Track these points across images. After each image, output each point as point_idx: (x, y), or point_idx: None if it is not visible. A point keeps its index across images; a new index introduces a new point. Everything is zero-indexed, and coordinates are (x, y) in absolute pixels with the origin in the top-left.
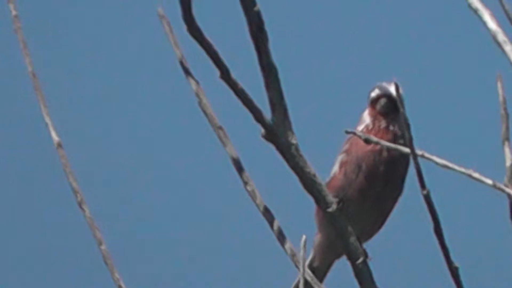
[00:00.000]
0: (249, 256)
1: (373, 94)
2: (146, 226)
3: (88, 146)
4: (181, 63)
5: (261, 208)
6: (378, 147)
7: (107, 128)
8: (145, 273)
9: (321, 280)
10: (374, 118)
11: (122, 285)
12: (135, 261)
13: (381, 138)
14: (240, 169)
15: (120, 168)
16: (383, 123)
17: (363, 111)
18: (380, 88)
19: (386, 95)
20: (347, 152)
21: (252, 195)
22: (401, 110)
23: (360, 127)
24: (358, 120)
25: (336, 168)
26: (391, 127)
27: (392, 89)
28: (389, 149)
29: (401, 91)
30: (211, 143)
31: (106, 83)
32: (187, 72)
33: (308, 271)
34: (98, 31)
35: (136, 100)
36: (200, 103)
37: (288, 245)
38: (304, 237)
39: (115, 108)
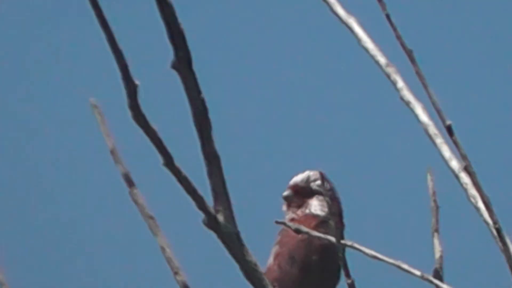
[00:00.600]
0: None
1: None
2: None
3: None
4: (112, 153)
5: None
6: (312, 238)
7: (34, 214)
8: None
9: None
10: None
11: None
12: None
13: (307, 224)
14: (169, 259)
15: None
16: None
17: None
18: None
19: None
20: (279, 243)
21: (182, 286)
22: (327, 198)
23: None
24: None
25: (270, 260)
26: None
27: (298, 178)
28: (324, 241)
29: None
30: (142, 232)
31: (39, 174)
32: (118, 161)
33: None
34: (31, 122)
35: (67, 189)
36: (130, 193)
37: None
38: None
39: (45, 196)
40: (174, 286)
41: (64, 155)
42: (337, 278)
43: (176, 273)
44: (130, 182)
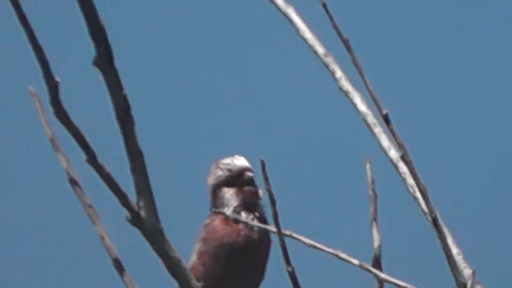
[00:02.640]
0: None
1: (232, 168)
2: None
3: None
4: (52, 141)
5: (130, 287)
6: (234, 234)
7: None
8: None
9: None
10: (243, 201)
11: None
12: None
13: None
14: (108, 247)
15: None
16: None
17: (222, 191)
18: (234, 162)
19: (248, 173)
20: (204, 240)
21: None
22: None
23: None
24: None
25: (194, 257)
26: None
27: (243, 161)
28: (247, 236)
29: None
30: (82, 221)
31: None
32: (57, 149)
33: None
34: None
35: (7, 176)
36: (70, 181)
37: None
38: None
39: None
40: (113, 275)
41: (3, 144)
42: (262, 275)
43: (115, 261)
44: (70, 171)
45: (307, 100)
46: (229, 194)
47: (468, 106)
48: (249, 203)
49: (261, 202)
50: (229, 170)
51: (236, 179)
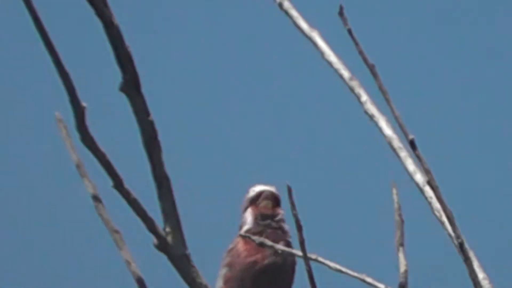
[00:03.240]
0: None
1: (253, 192)
2: None
3: None
4: (78, 167)
5: None
6: (259, 258)
7: None
8: None
9: None
10: (255, 217)
11: None
12: None
13: (266, 237)
14: (134, 273)
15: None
16: (264, 222)
17: (243, 213)
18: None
19: (267, 190)
20: (229, 265)
21: None
22: (294, 211)
23: (242, 230)
24: (240, 224)
25: (220, 283)
26: (273, 224)
27: (271, 188)
28: (271, 259)
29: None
30: (107, 247)
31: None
32: (83, 175)
33: None
34: None
35: (34, 205)
36: (96, 207)
37: None
38: None
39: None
40: None
41: (30, 169)
42: None
43: (138, 281)
44: (96, 197)
45: (333, 125)
46: (248, 212)
47: (494, 131)
48: (263, 217)
49: (285, 225)
50: (253, 191)
51: (257, 199)
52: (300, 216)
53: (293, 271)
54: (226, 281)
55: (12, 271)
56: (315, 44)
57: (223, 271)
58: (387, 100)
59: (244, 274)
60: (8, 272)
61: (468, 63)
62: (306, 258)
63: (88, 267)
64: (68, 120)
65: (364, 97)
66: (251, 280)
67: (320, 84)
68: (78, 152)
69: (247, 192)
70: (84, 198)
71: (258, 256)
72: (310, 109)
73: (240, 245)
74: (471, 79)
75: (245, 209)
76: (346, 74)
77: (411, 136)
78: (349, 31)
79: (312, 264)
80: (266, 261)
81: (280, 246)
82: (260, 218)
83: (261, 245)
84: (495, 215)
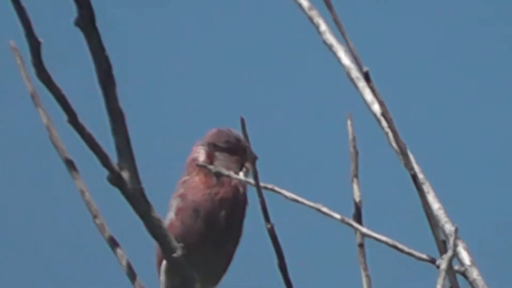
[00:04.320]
0: None
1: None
2: None
3: None
4: (32, 96)
5: (109, 241)
6: (214, 190)
7: None
8: None
9: None
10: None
11: None
12: None
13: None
14: (88, 202)
15: None
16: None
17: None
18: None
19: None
20: (182, 196)
21: (101, 229)
22: (248, 143)
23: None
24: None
25: (172, 214)
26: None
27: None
28: (225, 192)
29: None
30: (61, 176)
31: None
32: (38, 105)
33: None
34: None
35: None
36: (50, 136)
37: (137, 281)
38: (164, 262)
39: None
40: (93, 229)
41: None
42: (241, 230)
43: (95, 217)
44: (50, 126)
45: (291, 54)
46: (232, 159)
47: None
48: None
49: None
50: (236, 139)
51: (240, 150)
52: (254, 148)
53: (245, 204)
54: (178, 212)
55: None
56: None
57: (175, 202)
58: (342, 32)
59: (199, 206)
60: None
61: None
62: (259, 189)
63: (42, 198)
64: (24, 51)
65: (323, 27)
66: (206, 212)
67: (278, 13)
68: (33, 82)
69: (227, 130)
70: (38, 126)
71: (215, 188)
72: (270, 39)
73: (197, 178)
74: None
75: (226, 151)
76: (305, 3)
77: (365, 68)
78: None
79: (268, 195)
80: (222, 194)
81: (235, 175)
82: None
83: (217, 174)
84: (453, 145)
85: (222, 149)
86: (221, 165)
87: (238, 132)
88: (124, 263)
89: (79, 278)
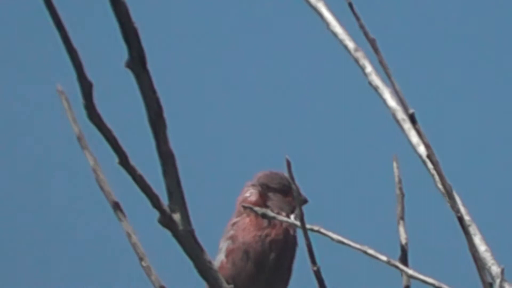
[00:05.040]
0: None
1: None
2: None
3: None
4: (79, 139)
5: (157, 286)
6: (265, 232)
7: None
8: None
9: None
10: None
11: None
12: None
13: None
14: (135, 245)
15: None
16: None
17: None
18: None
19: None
20: (232, 238)
21: (147, 271)
22: (294, 185)
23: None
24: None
25: (222, 256)
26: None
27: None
28: (275, 234)
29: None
30: (107, 218)
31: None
32: (84, 147)
33: None
34: None
35: (32, 174)
36: (97, 178)
37: None
38: None
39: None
40: (140, 272)
41: (32, 140)
42: (290, 273)
43: (141, 259)
44: (96, 168)
45: (337, 96)
46: (285, 200)
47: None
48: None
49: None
50: (289, 182)
51: (290, 192)
52: (301, 190)
53: (295, 246)
54: (229, 254)
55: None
56: (320, 15)
57: (225, 244)
58: (388, 74)
59: (249, 247)
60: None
61: (471, 37)
62: (305, 231)
63: (87, 240)
64: (70, 93)
65: (369, 68)
66: (256, 254)
67: (325, 55)
68: (80, 125)
69: (277, 172)
70: (85, 169)
71: (266, 230)
72: (315, 81)
73: (247, 219)
74: (473, 53)
75: (279, 192)
76: (351, 45)
77: (411, 110)
78: (350, 5)
79: (315, 237)
80: (273, 236)
81: (282, 218)
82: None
83: (264, 216)
84: (499, 187)
85: (275, 190)
86: (274, 205)
87: (284, 174)
88: None
89: None
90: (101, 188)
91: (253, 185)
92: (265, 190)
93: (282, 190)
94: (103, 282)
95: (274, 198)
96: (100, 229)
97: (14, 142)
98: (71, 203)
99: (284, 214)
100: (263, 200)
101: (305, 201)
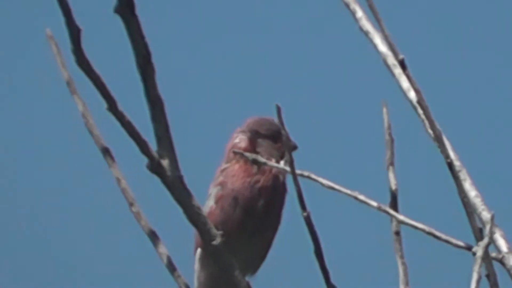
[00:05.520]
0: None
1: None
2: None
3: None
4: (68, 84)
5: (146, 230)
6: (254, 179)
7: None
8: None
9: None
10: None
11: None
12: None
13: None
14: (124, 190)
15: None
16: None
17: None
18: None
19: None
20: (221, 184)
21: (137, 217)
22: (284, 132)
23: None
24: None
25: (211, 202)
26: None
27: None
28: (265, 180)
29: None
30: (96, 163)
31: None
32: (73, 92)
33: None
34: None
35: (22, 119)
36: (86, 123)
37: (179, 277)
38: (199, 250)
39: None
40: (129, 218)
41: (20, 84)
42: (280, 218)
43: (131, 205)
44: (86, 113)
45: (327, 41)
46: (275, 146)
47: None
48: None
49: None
50: (279, 128)
51: (281, 138)
52: (291, 137)
53: (284, 195)
54: (218, 200)
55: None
56: None
57: (214, 190)
58: (378, 19)
59: (238, 193)
60: None
61: None
62: (295, 176)
63: (76, 184)
64: (60, 39)
65: (360, 13)
66: (245, 200)
67: None
68: (69, 70)
69: (268, 118)
70: (74, 114)
71: (255, 177)
72: (305, 25)
73: (236, 166)
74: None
75: (268, 138)
76: None
77: (401, 56)
78: None
79: (305, 183)
80: (262, 183)
81: (272, 163)
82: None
83: (254, 162)
84: (489, 132)
85: (264, 136)
86: (264, 152)
87: (274, 120)
88: (161, 250)
89: (115, 266)
90: (91, 133)
91: (243, 131)
92: (254, 136)
93: (272, 136)
94: (92, 228)
95: (263, 144)
96: (89, 175)
97: (1, 87)
98: (60, 148)
99: (274, 160)
100: (252, 146)
101: (294, 147)
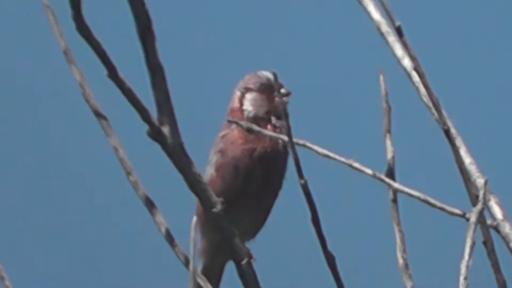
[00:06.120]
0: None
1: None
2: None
3: None
4: (65, 53)
5: (144, 200)
6: (254, 145)
7: None
8: None
9: (216, 286)
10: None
11: None
12: None
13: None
14: (122, 159)
15: None
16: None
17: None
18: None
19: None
20: (221, 152)
21: (135, 186)
22: (280, 99)
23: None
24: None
25: (212, 170)
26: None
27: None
28: (265, 147)
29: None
30: (94, 133)
31: None
32: (71, 62)
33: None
34: None
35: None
36: (84, 93)
37: (176, 246)
38: (194, 218)
39: None
40: (127, 187)
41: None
42: (280, 185)
43: (128, 174)
44: (83, 83)
45: (320, 8)
46: (263, 98)
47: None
48: (276, 112)
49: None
50: (268, 79)
51: (271, 89)
52: (285, 87)
53: (286, 159)
54: (218, 168)
55: None
56: None
57: (214, 157)
58: None
59: (239, 161)
60: None
61: None
62: (292, 145)
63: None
64: (56, 8)
65: None
66: (245, 167)
67: None
68: (66, 39)
69: (257, 72)
70: (71, 83)
71: (255, 144)
72: None
73: (235, 132)
74: None
75: (256, 90)
76: None
77: (397, 23)
78: None
79: (301, 151)
80: (261, 149)
81: (267, 132)
82: (275, 111)
83: (249, 130)
84: (485, 100)
85: (252, 90)
86: (251, 105)
87: (268, 72)
88: (158, 219)
89: (113, 236)
90: (88, 102)
91: (238, 91)
92: (243, 93)
93: (259, 89)
94: (91, 197)
95: (249, 98)
96: (87, 145)
97: None
98: (57, 118)
99: (263, 111)
100: (240, 103)
101: (288, 94)
